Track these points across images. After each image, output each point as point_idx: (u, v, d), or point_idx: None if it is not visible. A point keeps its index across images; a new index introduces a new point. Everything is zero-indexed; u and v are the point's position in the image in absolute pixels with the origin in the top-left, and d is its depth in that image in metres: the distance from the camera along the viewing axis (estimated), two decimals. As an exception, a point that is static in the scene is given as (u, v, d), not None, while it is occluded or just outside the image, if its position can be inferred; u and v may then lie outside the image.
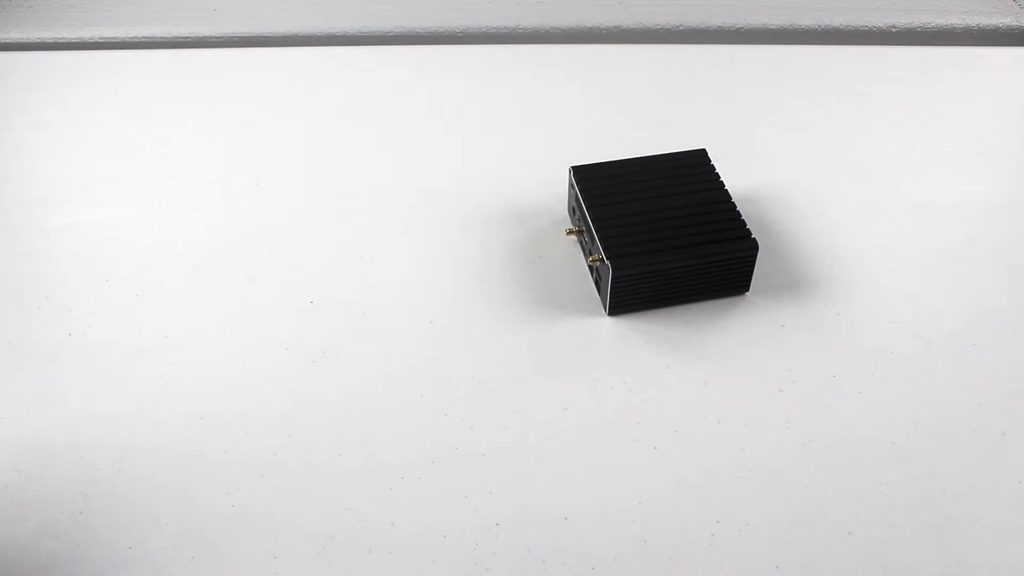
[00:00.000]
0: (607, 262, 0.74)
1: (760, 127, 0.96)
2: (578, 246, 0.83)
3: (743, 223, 0.77)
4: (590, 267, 0.80)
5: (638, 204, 0.78)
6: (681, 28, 1.12)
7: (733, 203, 0.79)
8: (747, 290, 0.78)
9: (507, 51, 1.09)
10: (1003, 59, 1.07)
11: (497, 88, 1.03)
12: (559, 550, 0.62)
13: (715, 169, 0.82)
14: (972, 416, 0.70)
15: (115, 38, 1.13)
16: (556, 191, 0.87)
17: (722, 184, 0.81)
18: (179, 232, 0.85)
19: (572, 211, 0.84)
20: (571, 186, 0.82)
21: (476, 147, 0.94)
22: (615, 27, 1.12)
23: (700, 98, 1.01)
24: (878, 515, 0.64)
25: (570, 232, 0.83)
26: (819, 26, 1.12)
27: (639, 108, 0.99)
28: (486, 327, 0.76)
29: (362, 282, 0.80)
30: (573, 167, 0.82)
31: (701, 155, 0.83)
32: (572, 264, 0.82)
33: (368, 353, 0.74)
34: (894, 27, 1.12)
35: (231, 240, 0.84)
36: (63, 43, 1.13)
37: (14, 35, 1.13)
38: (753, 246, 0.76)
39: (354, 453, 0.68)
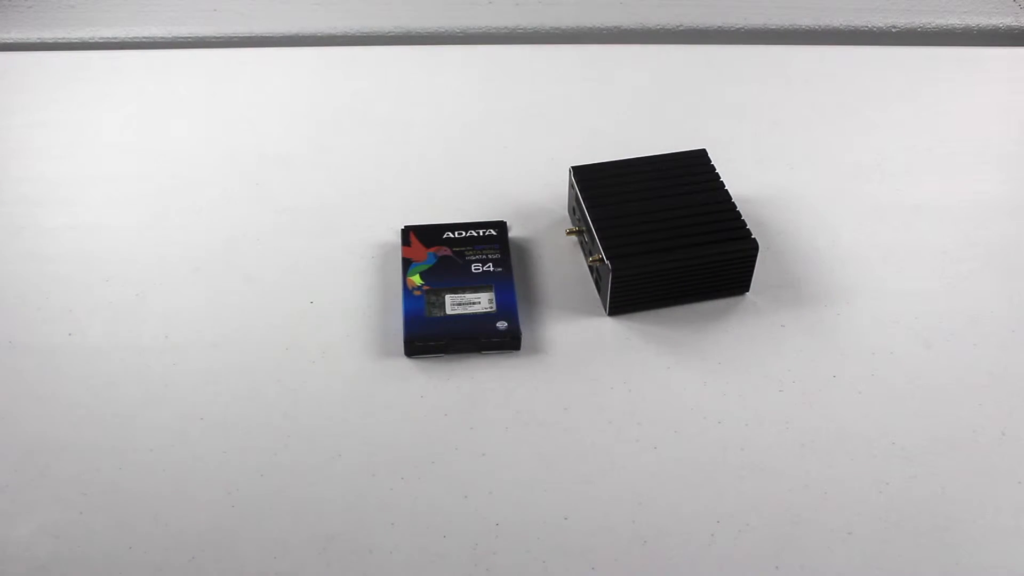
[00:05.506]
0: (607, 262, 0.74)
1: (760, 127, 0.96)
2: (578, 246, 0.83)
3: (743, 223, 0.77)
4: (590, 267, 0.80)
5: (638, 204, 0.78)
6: (681, 28, 1.12)
7: (733, 203, 0.79)
8: (747, 290, 0.78)
9: (507, 51, 1.09)
10: (1003, 59, 1.07)
11: (497, 88, 1.03)
12: (559, 550, 0.62)
13: (715, 169, 0.82)
14: (972, 416, 0.70)
15: (114, 38, 1.13)
16: (556, 191, 0.87)
17: (722, 184, 0.80)
18: (179, 232, 0.85)
19: (572, 211, 0.84)
20: (571, 186, 0.82)
21: (476, 147, 0.94)
22: (615, 27, 1.12)
23: (700, 98, 1.01)
24: (878, 515, 0.64)
25: (570, 232, 0.83)
26: (819, 26, 1.12)
27: (639, 108, 0.99)
28: (486, 327, 0.76)
29: (362, 281, 0.80)
30: (573, 167, 0.82)
31: (701, 155, 0.83)
32: (572, 264, 0.82)
33: (368, 353, 0.74)
34: (894, 27, 1.12)
35: (231, 240, 0.84)
36: (63, 43, 1.13)
37: (14, 35, 1.13)
38: (753, 246, 0.76)
39: (354, 453, 0.68)
